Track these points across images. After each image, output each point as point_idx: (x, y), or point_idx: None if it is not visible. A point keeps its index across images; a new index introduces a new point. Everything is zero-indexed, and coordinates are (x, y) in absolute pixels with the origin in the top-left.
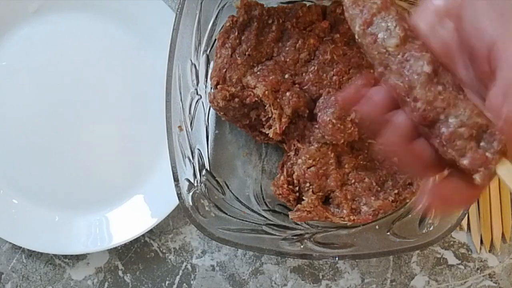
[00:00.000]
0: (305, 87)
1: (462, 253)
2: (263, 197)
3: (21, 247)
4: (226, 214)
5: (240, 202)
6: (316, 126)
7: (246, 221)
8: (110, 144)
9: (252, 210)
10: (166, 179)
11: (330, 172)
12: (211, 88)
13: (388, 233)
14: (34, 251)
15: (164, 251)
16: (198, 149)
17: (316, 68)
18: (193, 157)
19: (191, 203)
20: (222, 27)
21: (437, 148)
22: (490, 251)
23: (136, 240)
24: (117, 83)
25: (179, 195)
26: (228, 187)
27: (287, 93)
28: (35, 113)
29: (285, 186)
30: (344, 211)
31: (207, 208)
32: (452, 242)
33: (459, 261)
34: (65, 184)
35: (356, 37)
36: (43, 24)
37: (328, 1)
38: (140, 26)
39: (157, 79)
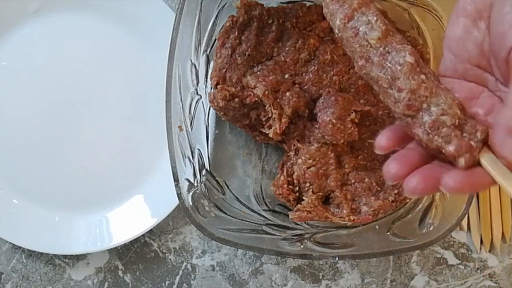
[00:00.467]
0: (305, 87)
1: (462, 253)
2: (263, 197)
3: (21, 247)
4: (226, 214)
5: (240, 202)
6: (316, 126)
7: (246, 221)
8: (110, 144)
9: (252, 210)
10: (166, 179)
11: (330, 172)
12: (211, 88)
13: (388, 233)
14: (34, 251)
15: (164, 251)
16: (198, 149)
17: (316, 68)
18: (193, 157)
19: (191, 203)
20: (222, 27)
21: (421, 138)
22: (490, 251)
23: (136, 240)
24: (117, 83)
25: (179, 195)
26: (228, 187)
27: (287, 93)
28: (35, 113)
29: (285, 186)
30: (344, 211)
31: (207, 208)
32: (452, 242)
33: (459, 261)
34: (65, 184)
35: (336, 31)
36: (43, 24)
37: None
38: (140, 26)
39: (157, 79)
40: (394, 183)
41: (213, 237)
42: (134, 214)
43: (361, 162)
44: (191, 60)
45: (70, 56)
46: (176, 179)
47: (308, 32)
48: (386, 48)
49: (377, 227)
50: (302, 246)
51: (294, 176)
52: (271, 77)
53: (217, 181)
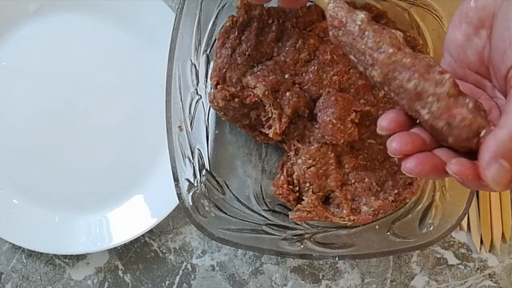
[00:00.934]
0: (305, 87)
1: (462, 253)
2: (263, 197)
3: (21, 247)
4: (226, 214)
5: (240, 202)
6: (316, 126)
7: (246, 221)
8: (110, 144)
9: (252, 210)
10: (166, 179)
11: (330, 172)
12: (211, 88)
13: (388, 233)
14: (34, 251)
15: (164, 251)
16: (198, 149)
17: (316, 68)
18: (193, 157)
19: (191, 203)
20: (222, 27)
21: (427, 120)
22: (490, 251)
23: (136, 240)
24: (117, 83)
25: (179, 195)
26: (228, 187)
27: (287, 93)
28: (35, 113)
29: (285, 186)
30: (344, 211)
31: (207, 208)
32: (452, 242)
33: (459, 261)
34: (65, 184)
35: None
36: (43, 24)
37: None
38: (140, 26)
39: (157, 79)
40: (396, 156)
41: (213, 237)
42: (134, 214)
43: (361, 162)
44: (191, 60)
45: (70, 56)
46: (176, 179)
47: (308, 32)
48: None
49: (377, 227)
50: (302, 246)
51: (294, 176)
52: (271, 77)
53: (217, 181)
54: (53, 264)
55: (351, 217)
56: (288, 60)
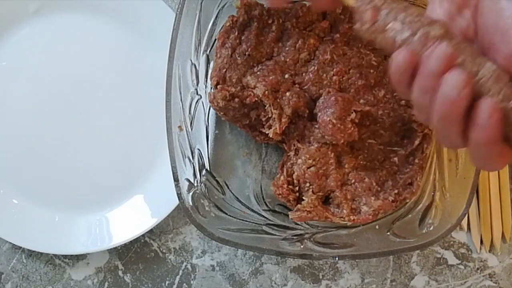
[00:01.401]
0: (305, 87)
1: (462, 253)
2: (263, 197)
3: (21, 247)
4: (226, 214)
5: (240, 202)
6: (316, 126)
7: (246, 221)
8: (110, 144)
9: (252, 210)
10: (166, 179)
11: (330, 172)
12: (211, 88)
13: (388, 233)
14: (34, 251)
15: (164, 251)
16: (198, 149)
17: (316, 68)
18: (193, 157)
19: (191, 203)
20: (222, 27)
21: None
22: (490, 251)
23: (136, 240)
24: (117, 83)
25: (179, 195)
26: (228, 187)
27: (287, 93)
28: (35, 113)
29: (285, 186)
30: (344, 211)
31: (207, 208)
32: (452, 242)
33: (459, 261)
34: (65, 184)
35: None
36: (43, 24)
37: None
38: (140, 26)
39: (157, 79)
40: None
41: (213, 237)
42: (134, 214)
43: (361, 162)
44: (191, 60)
45: (70, 56)
46: (176, 179)
47: (308, 32)
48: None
49: (377, 227)
50: (302, 246)
51: (294, 176)
52: (271, 77)
53: (217, 181)
54: (53, 264)
55: (351, 217)
56: (288, 60)
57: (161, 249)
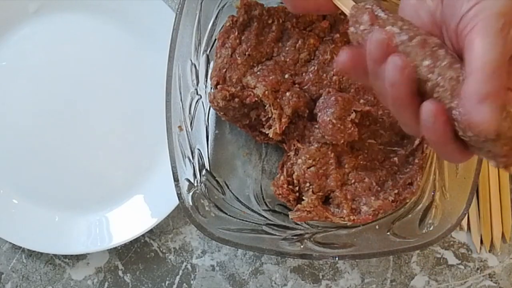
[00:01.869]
0: (305, 87)
1: (462, 253)
2: (263, 197)
3: (21, 247)
4: (226, 214)
5: (240, 202)
6: (316, 126)
7: (246, 221)
8: (110, 144)
9: (252, 210)
10: (166, 179)
11: (330, 172)
12: (211, 88)
13: (388, 233)
14: (34, 251)
15: (164, 251)
16: (198, 149)
17: (316, 68)
18: (193, 157)
19: (191, 203)
20: (222, 27)
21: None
22: (490, 251)
23: (136, 240)
24: (117, 83)
25: (179, 195)
26: (228, 187)
27: (287, 93)
28: (35, 113)
29: (285, 186)
30: (344, 211)
31: (207, 208)
32: (452, 242)
33: (459, 261)
34: (65, 184)
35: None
36: (43, 24)
37: None
38: (140, 26)
39: (157, 79)
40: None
41: (213, 237)
42: (134, 214)
43: (361, 162)
44: (191, 60)
45: (70, 56)
46: (176, 179)
47: (308, 32)
48: None
49: (377, 227)
50: (302, 246)
51: (294, 176)
52: (271, 77)
53: (217, 181)
54: (53, 264)
55: (351, 217)
56: (288, 60)
57: (161, 249)
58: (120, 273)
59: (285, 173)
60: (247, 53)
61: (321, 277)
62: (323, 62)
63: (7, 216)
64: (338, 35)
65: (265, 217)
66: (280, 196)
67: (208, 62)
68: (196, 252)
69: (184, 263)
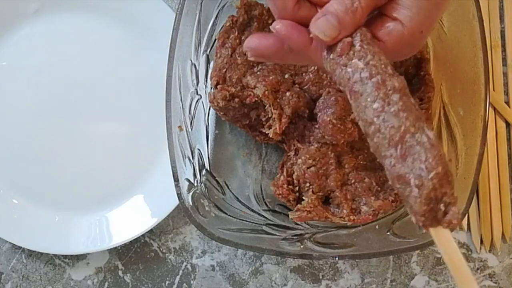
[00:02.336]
0: (305, 87)
1: (462, 253)
2: (263, 197)
3: (21, 247)
4: (226, 214)
5: (240, 202)
6: (316, 126)
7: (246, 221)
8: (110, 144)
9: (252, 210)
10: (166, 179)
11: (330, 172)
12: (211, 88)
13: (388, 233)
14: (34, 251)
15: (164, 251)
16: (198, 149)
17: (316, 68)
18: (193, 157)
19: (191, 203)
20: (222, 27)
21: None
22: (490, 251)
23: (136, 240)
24: (117, 83)
25: (179, 195)
26: (228, 187)
27: (287, 93)
28: (35, 113)
29: (285, 186)
30: (344, 211)
31: (207, 208)
32: None
33: None
34: (65, 184)
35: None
36: (43, 24)
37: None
38: (140, 26)
39: (157, 79)
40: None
41: (213, 237)
42: (134, 214)
43: (361, 162)
44: (191, 60)
45: (70, 56)
46: (176, 179)
47: None
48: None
49: (377, 227)
50: (302, 246)
51: (294, 176)
52: (271, 77)
53: (217, 181)
54: (53, 264)
55: (351, 217)
56: None
57: (161, 249)
58: (120, 273)
59: (285, 173)
60: None
61: (321, 277)
62: None
63: (7, 216)
64: None
65: (265, 217)
66: (280, 196)
67: (208, 62)
68: (196, 252)
69: (184, 263)
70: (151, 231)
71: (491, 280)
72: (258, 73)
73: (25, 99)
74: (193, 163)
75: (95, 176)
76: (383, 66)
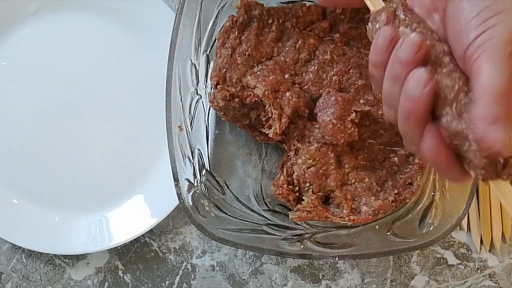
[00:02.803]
0: (305, 87)
1: (462, 253)
2: (263, 197)
3: (21, 247)
4: (226, 214)
5: (240, 202)
6: (316, 126)
7: (246, 221)
8: (110, 144)
9: (252, 210)
10: (166, 179)
11: (330, 172)
12: (211, 88)
13: (388, 233)
14: (34, 251)
15: (164, 251)
16: (198, 149)
17: (316, 68)
18: (193, 157)
19: (191, 203)
20: (222, 27)
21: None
22: (490, 251)
23: (136, 240)
24: (117, 83)
25: (179, 195)
26: (228, 187)
27: (287, 93)
28: (35, 113)
29: (285, 186)
30: (344, 211)
31: (207, 208)
32: (452, 242)
33: (459, 261)
34: (65, 184)
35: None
36: (43, 24)
37: None
38: (140, 26)
39: (157, 79)
40: None
41: (213, 237)
42: (134, 214)
43: (361, 162)
44: (191, 60)
45: (70, 56)
46: (176, 179)
47: (308, 32)
48: None
49: (377, 227)
50: (302, 246)
51: (294, 176)
52: (271, 77)
53: (217, 181)
54: (53, 264)
55: (351, 217)
56: (288, 60)
57: (161, 249)
58: (120, 273)
59: (285, 173)
60: (247, 53)
61: (321, 277)
62: (323, 62)
63: (7, 216)
64: (338, 35)
65: (265, 217)
66: (280, 196)
67: (208, 62)
68: (196, 252)
69: (184, 263)
70: (151, 231)
71: (491, 280)
72: (258, 73)
73: (25, 99)
74: (193, 163)
75: (95, 176)
76: (429, 32)
